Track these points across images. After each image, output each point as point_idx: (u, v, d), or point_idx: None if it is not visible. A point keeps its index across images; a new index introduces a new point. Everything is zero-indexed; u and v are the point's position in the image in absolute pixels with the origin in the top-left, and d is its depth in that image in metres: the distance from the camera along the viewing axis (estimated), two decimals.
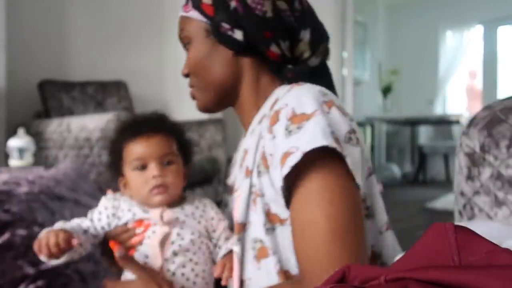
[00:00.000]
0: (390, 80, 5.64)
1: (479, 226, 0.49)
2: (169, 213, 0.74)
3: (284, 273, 0.62)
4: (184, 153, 0.80)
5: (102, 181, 2.03)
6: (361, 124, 5.00)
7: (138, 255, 0.73)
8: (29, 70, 2.70)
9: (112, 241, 0.74)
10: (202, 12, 0.70)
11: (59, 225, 0.71)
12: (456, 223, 0.71)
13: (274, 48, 0.69)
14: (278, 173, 0.58)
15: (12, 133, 2.15)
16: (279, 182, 0.59)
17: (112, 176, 0.79)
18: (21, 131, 1.91)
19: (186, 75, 0.78)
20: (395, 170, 5.36)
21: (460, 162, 0.71)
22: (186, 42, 0.76)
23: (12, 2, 2.57)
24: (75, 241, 0.67)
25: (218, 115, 3.29)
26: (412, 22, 6.27)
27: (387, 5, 6.37)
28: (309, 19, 0.72)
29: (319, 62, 0.74)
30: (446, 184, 5.34)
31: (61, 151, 2.25)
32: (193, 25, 0.73)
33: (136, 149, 0.74)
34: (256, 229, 0.64)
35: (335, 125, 0.57)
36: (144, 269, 0.70)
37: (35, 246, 0.67)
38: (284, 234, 0.62)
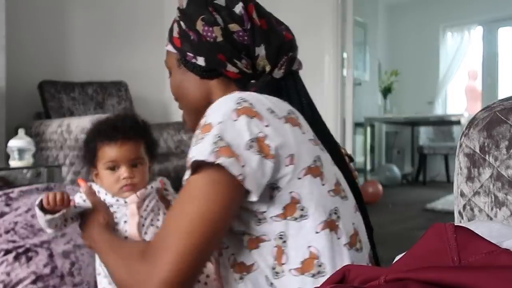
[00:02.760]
0: (390, 81, 5.65)
1: (479, 227, 0.49)
2: (140, 193, 0.90)
3: (239, 265, 0.70)
4: (151, 152, 0.95)
5: None
6: (361, 125, 5.00)
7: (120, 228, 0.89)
8: (29, 71, 2.71)
9: (81, 178, 0.95)
10: (173, 44, 0.81)
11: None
12: (456, 223, 0.71)
13: (231, 68, 0.77)
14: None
15: (12, 133, 2.15)
16: None
17: (84, 165, 0.93)
18: (21, 132, 1.91)
19: (176, 99, 0.88)
20: (395, 171, 5.36)
21: (460, 163, 0.71)
22: (169, 72, 0.87)
23: (12, 3, 2.57)
24: (73, 201, 0.87)
25: None
26: (412, 23, 6.27)
27: (387, 5, 6.38)
28: (262, 36, 0.76)
29: (284, 73, 0.79)
30: (446, 184, 5.34)
31: (61, 152, 2.25)
32: (170, 57, 0.84)
33: (110, 152, 0.89)
34: None
35: (234, 135, 0.62)
36: (99, 201, 0.89)
37: (44, 199, 0.83)
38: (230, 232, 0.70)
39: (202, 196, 0.62)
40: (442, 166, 5.91)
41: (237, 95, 0.68)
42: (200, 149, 0.62)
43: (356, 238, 0.71)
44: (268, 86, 0.77)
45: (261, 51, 0.76)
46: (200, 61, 0.77)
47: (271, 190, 0.66)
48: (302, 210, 0.66)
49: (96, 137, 0.91)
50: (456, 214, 0.73)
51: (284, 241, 0.66)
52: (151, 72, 3.27)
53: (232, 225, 0.69)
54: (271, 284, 0.67)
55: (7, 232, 1.15)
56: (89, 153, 0.92)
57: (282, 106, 0.70)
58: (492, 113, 0.68)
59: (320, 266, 0.65)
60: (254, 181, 0.62)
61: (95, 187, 0.93)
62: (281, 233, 0.66)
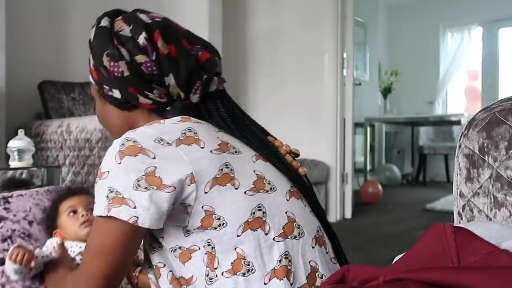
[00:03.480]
0: (390, 81, 5.65)
1: (478, 228, 0.49)
2: None
3: (178, 280, 0.73)
4: None
5: None
6: (361, 125, 5.00)
7: None
8: (29, 71, 2.71)
9: (59, 233, 1.08)
10: (92, 76, 0.83)
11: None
12: (455, 224, 0.71)
13: (143, 100, 0.77)
14: None
15: (12, 134, 2.15)
16: None
17: (47, 234, 1.13)
18: (21, 132, 1.91)
19: None
20: (395, 171, 5.36)
21: (459, 164, 0.71)
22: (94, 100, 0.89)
23: (12, 3, 2.57)
24: (32, 264, 0.97)
25: None
26: (412, 23, 6.27)
27: (387, 5, 6.38)
28: (170, 64, 0.75)
29: (200, 96, 0.78)
30: (446, 184, 5.34)
31: (61, 152, 2.25)
32: (92, 87, 0.86)
33: (70, 202, 1.11)
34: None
35: (121, 180, 0.66)
36: (66, 255, 1.03)
37: (13, 255, 0.95)
38: (164, 250, 0.75)
39: (101, 240, 0.70)
40: (442, 166, 5.91)
41: (124, 135, 0.70)
42: (97, 202, 0.69)
43: (292, 225, 0.72)
44: (185, 111, 0.77)
45: (170, 80, 0.75)
46: (116, 93, 0.78)
47: (185, 208, 0.69)
48: (218, 219, 0.69)
49: (56, 202, 1.13)
50: (455, 215, 0.73)
51: (213, 247, 0.70)
52: None
53: (165, 244, 0.74)
54: None
55: (4, 240, 1.12)
56: (50, 218, 1.12)
57: (176, 128, 0.71)
58: (492, 114, 0.68)
59: (248, 265, 0.68)
60: (149, 217, 0.66)
61: (67, 243, 1.08)
62: (208, 240, 0.70)
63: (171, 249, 0.73)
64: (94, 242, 0.71)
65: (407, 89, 6.06)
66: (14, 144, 1.84)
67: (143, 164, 0.66)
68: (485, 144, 0.67)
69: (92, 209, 1.04)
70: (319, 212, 0.82)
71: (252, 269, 0.69)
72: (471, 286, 0.37)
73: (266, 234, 0.70)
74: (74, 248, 1.07)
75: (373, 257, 2.19)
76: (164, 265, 0.75)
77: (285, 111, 3.57)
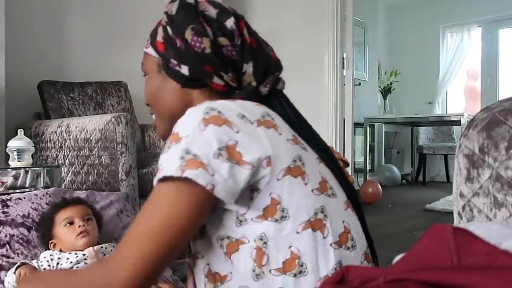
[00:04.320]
0: (390, 81, 5.65)
1: (478, 228, 0.49)
2: (96, 247, 1.11)
3: (213, 275, 0.70)
4: (97, 221, 1.18)
5: (101, 182, 2.03)
6: (360, 125, 5.00)
7: None
8: (29, 71, 2.71)
9: (54, 243, 1.11)
10: (155, 49, 0.80)
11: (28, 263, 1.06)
12: (455, 224, 0.71)
13: (216, 80, 0.77)
14: None
15: (11, 134, 2.15)
16: None
17: (43, 243, 1.13)
18: (20, 132, 1.91)
19: (147, 104, 0.87)
20: (395, 171, 5.36)
21: (459, 164, 0.71)
22: (145, 74, 0.87)
23: (12, 3, 2.57)
24: None
25: None
26: (412, 23, 6.28)
27: (387, 5, 6.38)
28: (251, 53, 0.78)
29: (269, 90, 0.81)
30: (446, 185, 5.34)
31: (60, 152, 2.25)
32: (149, 60, 0.82)
33: (66, 213, 1.11)
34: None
35: (201, 146, 0.63)
36: None
37: (17, 275, 0.99)
38: (207, 239, 0.71)
39: (167, 207, 0.63)
40: (442, 166, 5.91)
41: (205, 104, 0.68)
42: (168, 162, 0.63)
43: (347, 236, 0.71)
44: (253, 97, 0.77)
45: (248, 68, 0.78)
46: (184, 69, 0.77)
47: (251, 192, 0.66)
48: (282, 211, 0.66)
49: (52, 212, 1.14)
50: (455, 215, 0.73)
51: (265, 242, 0.66)
52: None
53: (212, 232, 0.70)
54: None
55: (2, 246, 1.12)
56: (46, 227, 1.13)
57: (255, 110, 0.70)
58: (491, 114, 0.68)
59: (301, 266, 0.66)
60: (225, 189, 0.62)
61: (62, 254, 1.08)
62: (262, 234, 0.66)
63: (218, 238, 0.69)
64: (155, 212, 0.63)
65: (407, 89, 6.06)
66: (13, 144, 1.84)
67: (226, 136, 0.64)
68: (485, 144, 0.67)
69: (88, 220, 1.12)
70: (367, 231, 0.80)
71: (305, 271, 0.66)
72: (471, 286, 0.37)
73: (324, 238, 0.68)
74: (71, 259, 1.07)
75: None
76: (203, 256, 0.72)
77: None
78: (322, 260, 0.67)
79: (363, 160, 5.00)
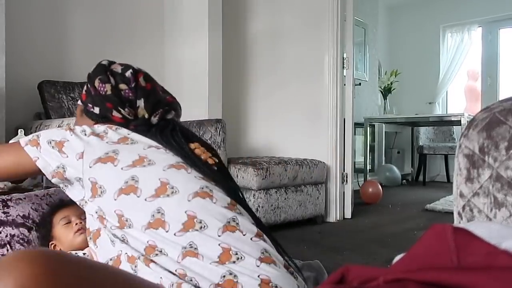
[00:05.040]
0: (390, 81, 5.65)
1: (478, 228, 0.49)
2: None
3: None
4: None
5: None
6: (361, 125, 5.00)
7: None
8: (29, 71, 2.71)
9: (54, 244, 1.14)
10: (80, 99, 1.15)
11: None
12: (455, 224, 0.71)
13: (116, 114, 1.05)
14: None
15: (12, 134, 2.15)
16: None
17: (43, 244, 1.17)
18: (21, 132, 1.91)
19: None
20: (395, 171, 5.36)
21: (459, 164, 0.71)
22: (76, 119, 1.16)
23: (12, 3, 2.57)
24: None
25: (218, 115, 3.30)
26: (412, 23, 6.28)
27: (387, 5, 6.38)
28: (143, 93, 1.07)
29: (159, 119, 1.08)
30: (446, 185, 5.34)
31: None
32: (78, 108, 1.16)
33: (63, 213, 1.15)
34: None
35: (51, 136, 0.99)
36: None
37: None
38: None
39: None
40: (442, 166, 5.91)
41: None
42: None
43: (166, 187, 0.88)
44: (143, 125, 1.04)
45: (141, 103, 1.06)
46: (96, 110, 1.07)
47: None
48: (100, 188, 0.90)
49: (50, 213, 1.18)
50: (455, 215, 0.73)
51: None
52: (150, 72, 3.27)
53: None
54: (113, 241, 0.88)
55: (3, 246, 1.12)
56: (45, 229, 1.16)
57: (99, 129, 0.99)
58: (492, 114, 0.68)
59: (127, 221, 0.86)
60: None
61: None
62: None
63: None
64: None
65: (407, 89, 6.06)
66: None
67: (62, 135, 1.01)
68: (485, 144, 0.67)
69: (85, 218, 1.13)
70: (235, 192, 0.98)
71: (131, 224, 0.86)
72: (471, 286, 0.37)
73: (167, 231, 0.83)
74: None
75: (373, 257, 2.20)
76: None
77: (285, 111, 3.57)
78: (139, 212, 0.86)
79: (363, 160, 5.00)
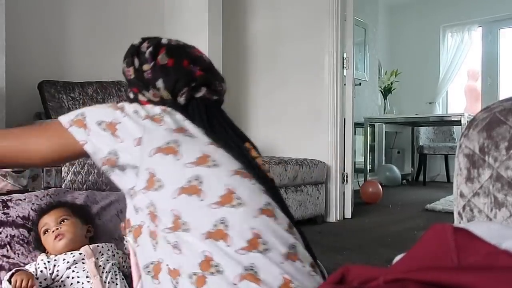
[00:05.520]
0: (390, 81, 5.65)
1: (478, 228, 0.49)
2: (92, 246, 1.13)
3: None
4: (80, 216, 1.17)
5: (102, 182, 2.03)
6: (361, 125, 5.00)
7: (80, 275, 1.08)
8: (29, 71, 2.71)
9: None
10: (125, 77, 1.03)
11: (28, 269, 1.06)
12: (456, 224, 0.71)
13: (141, 98, 0.97)
14: None
15: None
16: None
17: (37, 249, 1.15)
18: None
19: None
20: (395, 171, 5.35)
21: (459, 164, 0.71)
22: None
23: (12, 3, 2.57)
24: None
25: None
26: (412, 23, 6.28)
27: (387, 5, 6.38)
28: (161, 71, 0.95)
29: (186, 99, 0.95)
30: (446, 185, 5.34)
31: None
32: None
33: (42, 221, 1.13)
34: None
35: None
36: None
37: (13, 281, 0.98)
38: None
39: None
40: (442, 166, 5.91)
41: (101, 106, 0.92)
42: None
43: (232, 196, 0.78)
44: (172, 107, 0.93)
45: (160, 84, 0.95)
46: (130, 95, 1.00)
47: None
48: (159, 181, 0.80)
49: (35, 223, 1.16)
50: (455, 215, 0.73)
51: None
52: None
53: None
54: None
55: (3, 246, 1.11)
56: (36, 234, 1.15)
57: (153, 111, 0.88)
58: (492, 114, 0.68)
59: (184, 224, 0.76)
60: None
61: (57, 256, 1.09)
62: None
63: None
64: None
65: (407, 89, 6.06)
66: None
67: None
68: (485, 144, 0.67)
69: (63, 221, 1.14)
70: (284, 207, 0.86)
71: (187, 228, 0.76)
72: (471, 286, 0.37)
73: (202, 200, 0.78)
74: (68, 259, 1.08)
75: (373, 257, 2.19)
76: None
77: (285, 111, 3.57)
78: (202, 216, 0.76)
79: (363, 160, 5.00)
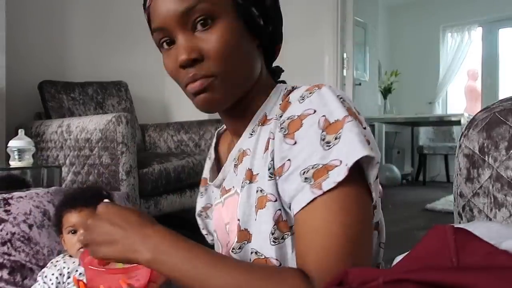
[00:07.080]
0: (390, 81, 5.65)
1: (478, 228, 0.50)
2: None
3: None
4: None
5: (102, 182, 2.04)
6: None
7: None
8: (29, 71, 2.71)
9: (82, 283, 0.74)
10: None
11: None
12: (455, 224, 0.71)
13: (280, 45, 0.71)
14: (295, 182, 0.55)
15: (12, 134, 2.15)
16: (290, 192, 0.55)
17: (55, 232, 1.09)
18: (21, 132, 1.91)
19: (195, 60, 0.60)
20: (395, 171, 5.36)
21: (459, 164, 0.71)
22: (203, 17, 0.59)
23: (12, 2, 2.58)
24: None
25: (217, 115, 3.29)
26: (412, 23, 6.28)
27: (388, 6, 6.38)
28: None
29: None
30: (446, 184, 5.34)
31: (61, 152, 2.25)
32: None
33: (71, 219, 1.02)
34: (259, 238, 0.59)
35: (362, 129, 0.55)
36: None
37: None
38: (292, 243, 0.58)
39: (356, 205, 0.53)
40: (442, 166, 5.91)
41: (328, 88, 0.62)
42: (348, 150, 0.52)
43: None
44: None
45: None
46: (268, 26, 0.64)
47: None
48: None
49: (61, 207, 1.06)
50: (455, 215, 0.73)
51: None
52: (151, 72, 3.27)
53: None
54: None
55: (4, 243, 1.12)
56: (56, 222, 1.07)
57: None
58: (492, 114, 0.68)
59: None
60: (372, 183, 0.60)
61: (66, 269, 1.01)
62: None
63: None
64: (333, 217, 0.51)
65: (407, 89, 6.06)
66: (14, 144, 1.84)
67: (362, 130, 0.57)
68: (485, 144, 0.67)
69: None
70: None
71: None
72: (471, 286, 0.37)
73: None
74: (82, 270, 1.02)
75: None
76: (279, 264, 0.58)
77: None
78: None
79: None
